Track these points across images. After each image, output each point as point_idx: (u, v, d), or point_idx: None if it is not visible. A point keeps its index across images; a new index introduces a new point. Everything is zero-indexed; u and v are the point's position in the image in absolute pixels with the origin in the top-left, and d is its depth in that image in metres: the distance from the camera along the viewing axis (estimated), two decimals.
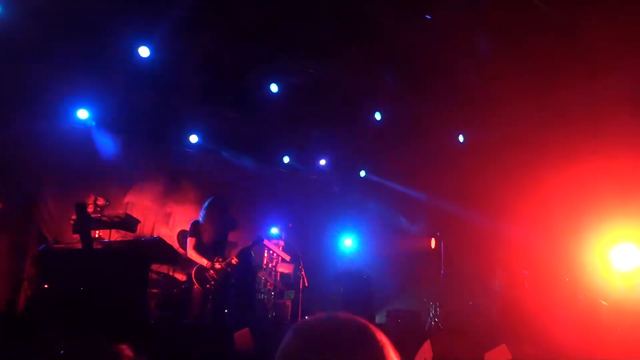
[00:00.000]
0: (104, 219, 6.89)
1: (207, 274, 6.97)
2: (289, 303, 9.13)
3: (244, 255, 7.79)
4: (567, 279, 7.96)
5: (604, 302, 7.40)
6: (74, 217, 6.56)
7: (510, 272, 8.06)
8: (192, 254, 7.09)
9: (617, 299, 7.41)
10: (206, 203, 7.35)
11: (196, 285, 6.93)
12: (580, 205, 8.09)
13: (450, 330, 8.45)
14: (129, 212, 8.31)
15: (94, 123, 9.06)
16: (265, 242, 9.25)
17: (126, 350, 2.16)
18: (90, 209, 7.56)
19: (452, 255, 9.38)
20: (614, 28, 7.22)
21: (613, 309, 7.29)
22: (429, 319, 8.95)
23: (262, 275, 9.15)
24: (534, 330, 6.80)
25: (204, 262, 6.99)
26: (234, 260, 7.09)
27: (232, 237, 8.58)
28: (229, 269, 7.08)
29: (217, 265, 6.99)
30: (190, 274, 7.03)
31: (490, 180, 9.22)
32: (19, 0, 7.31)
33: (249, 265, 8.50)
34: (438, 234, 9.26)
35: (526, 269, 8.13)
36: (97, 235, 7.52)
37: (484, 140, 10.14)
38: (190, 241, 7.17)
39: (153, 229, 9.60)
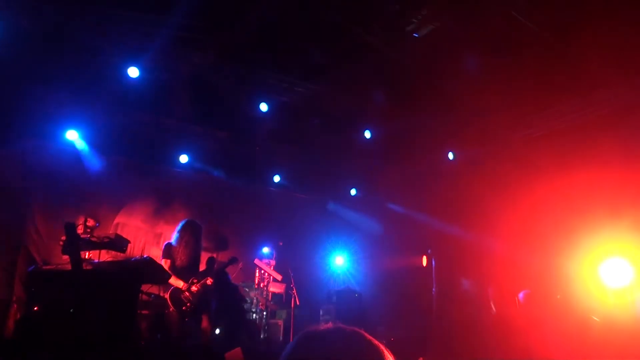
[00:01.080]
0: (94, 239, 6.83)
1: (182, 295, 6.97)
2: (280, 323, 9.09)
3: (219, 275, 7.79)
4: (559, 296, 7.95)
5: (595, 318, 7.40)
6: (63, 237, 6.51)
7: (502, 289, 8.04)
8: None
9: (608, 314, 7.40)
10: (179, 226, 7.38)
11: (172, 308, 6.92)
12: (570, 220, 8.11)
13: (442, 346, 8.41)
14: (119, 232, 8.26)
15: (83, 144, 9.03)
16: (257, 261, 9.25)
17: None
18: (80, 230, 7.52)
19: (443, 272, 9.36)
20: (604, 44, 7.30)
21: (604, 325, 7.28)
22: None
23: (254, 295, 9.11)
24: (527, 347, 6.78)
25: (180, 284, 7.01)
26: (209, 281, 7.09)
27: (222, 256, 8.56)
28: (203, 290, 7.08)
29: (194, 288, 6.98)
30: (165, 297, 7.02)
31: (481, 197, 9.24)
32: (8, 21, 7.31)
33: (224, 284, 8.48)
34: (429, 251, 9.25)
35: (520, 287, 8.14)
36: (87, 257, 7.47)
37: (474, 156, 10.18)
38: (164, 263, 7.18)
39: (143, 250, 9.55)
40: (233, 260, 8.03)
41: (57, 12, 7.38)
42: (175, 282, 7.03)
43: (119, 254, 7.47)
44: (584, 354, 6.45)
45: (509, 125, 9.33)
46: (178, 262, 7.17)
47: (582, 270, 7.95)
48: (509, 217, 8.89)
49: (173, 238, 7.33)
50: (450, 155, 10.51)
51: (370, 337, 1.38)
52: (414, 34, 7.49)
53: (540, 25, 7.20)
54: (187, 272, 7.17)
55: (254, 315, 9.02)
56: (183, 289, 6.98)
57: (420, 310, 9.19)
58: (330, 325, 1.41)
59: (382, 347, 1.36)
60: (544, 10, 7.00)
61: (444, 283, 9.11)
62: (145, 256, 8.05)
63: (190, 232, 7.34)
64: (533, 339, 6.78)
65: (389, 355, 1.34)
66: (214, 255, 8.38)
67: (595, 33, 7.16)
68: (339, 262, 10.85)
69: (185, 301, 6.96)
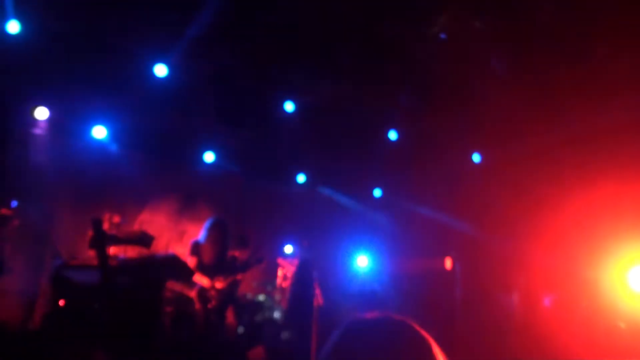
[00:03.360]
0: (120, 235, 6.91)
1: (208, 294, 6.96)
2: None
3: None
4: (584, 304, 7.86)
5: (621, 324, 7.29)
6: (90, 233, 6.58)
7: (528, 295, 7.97)
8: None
9: (635, 320, 7.29)
10: (208, 224, 7.39)
11: (198, 305, 6.92)
12: (598, 225, 7.99)
13: (466, 351, 8.34)
14: (143, 229, 8.32)
15: (110, 141, 9.11)
16: (279, 260, 9.24)
17: None
18: (105, 226, 7.59)
19: (468, 276, 9.28)
20: (631, 49, 7.19)
21: (631, 330, 7.17)
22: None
23: (275, 294, 9.11)
24: (552, 353, 6.70)
25: (204, 281, 7.01)
26: (239, 277, 7.10)
27: (244, 255, 8.57)
28: (229, 288, 7.09)
29: (218, 285, 6.98)
30: (191, 295, 7.03)
31: (506, 200, 9.14)
32: (36, 19, 7.42)
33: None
34: (454, 254, 9.18)
35: (546, 293, 8.05)
36: (112, 253, 7.54)
37: (499, 160, 10.08)
38: (191, 260, 7.19)
39: (167, 247, 9.61)
40: (260, 260, 8.04)
41: (85, 11, 7.48)
42: (201, 279, 7.05)
43: (143, 250, 7.52)
44: (610, 359, 6.35)
45: (535, 128, 9.22)
46: (205, 260, 7.19)
47: (610, 276, 7.84)
48: (535, 221, 8.79)
49: (201, 236, 7.35)
50: (476, 158, 10.41)
51: (419, 328, 1.35)
52: (441, 35, 7.44)
53: (567, 27, 7.11)
54: (214, 270, 7.19)
55: (276, 314, 9.02)
56: (208, 287, 6.99)
57: (444, 313, 9.11)
58: (377, 313, 1.39)
59: (430, 338, 1.34)
60: (571, 13, 6.92)
61: (468, 287, 9.03)
62: (169, 253, 8.12)
63: (218, 231, 7.36)
64: (559, 344, 6.70)
65: (437, 347, 1.32)
66: (236, 254, 8.39)
67: (622, 36, 7.07)
68: (362, 262, 10.80)
69: (211, 299, 6.96)
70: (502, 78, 8.15)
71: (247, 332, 7.97)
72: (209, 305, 6.95)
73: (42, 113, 8.30)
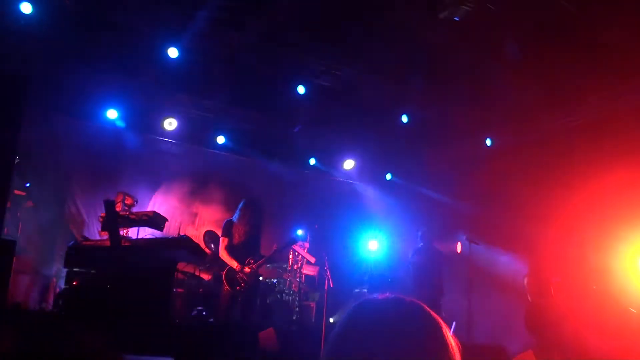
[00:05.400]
0: (132, 217, 6.95)
1: (237, 276, 6.88)
2: (313, 305, 9.14)
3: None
4: (595, 287, 7.84)
5: (632, 310, 7.27)
6: (102, 214, 6.64)
7: (538, 278, 7.95)
8: (223, 254, 6.98)
9: None
10: (241, 203, 7.26)
11: (226, 287, 6.84)
12: (608, 212, 7.96)
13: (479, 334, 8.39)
14: (156, 211, 8.40)
15: (123, 123, 9.15)
16: None
17: None
18: (118, 208, 7.65)
19: (479, 260, 9.28)
20: None
21: None
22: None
23: (287, 277, 9.17)
24: (561, 337, 6.70)
25: (234, 264, 6.89)
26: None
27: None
28: (257, 271, 7.04)
29: (247, 269, 6.90)
30: (221, 275, 6.96)
31: (518, 185, 9.10)
32: (49, 1, 7.43)
33: None
34: (465, 237, 9.16)
35: (556, 277, 8.03)
36: (125, 234, 7.61)
37: (512, 144, 10.03)
38: (222, 241, 7.06)
39: (179, 229, 9.69)
40: (292, 241, 8.09)
41: None
42: (230, 261, 6.93)
43: (156, 232, 7.58)
44: (622, 345, 6.35)
45: (547, 113, 9.16)
46: (236, 240, 7.06)
47: (621, 262, 7.82)
48: (547, 206, 8.76)
49: (235, 216, 7.22)
50: (488, 142, 10.37)
51: (429, 309, 1.36)
52: (455, 17, 7.37)
53: (581, 10, 7.03)
54: (245, 251, 7.05)
55: (287, 296, 9.08)
56: (237, 269, 6.89)
57: (454, 296, 9.13)
58: (387, 295, 1.40)
59: (440, 320, 1.34)
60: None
61: (479, 271, 9.02)
62: (182, 235, 8.16)
63: (252, 210, 7.23)
64: (568, 329, 6.70)
65: (446, 329, 1.33)
66: None
67: (635, 23, 6.99)
68: (373, 246, 10.83)
69: (240, 281, 6.87)
70: (515, 63, 8.08)
71: (259, 313, 8.03)
72: (238, 288, 6.86)
73: (55, 95, 8.33)
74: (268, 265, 9.31)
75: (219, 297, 7.03)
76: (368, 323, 1.32)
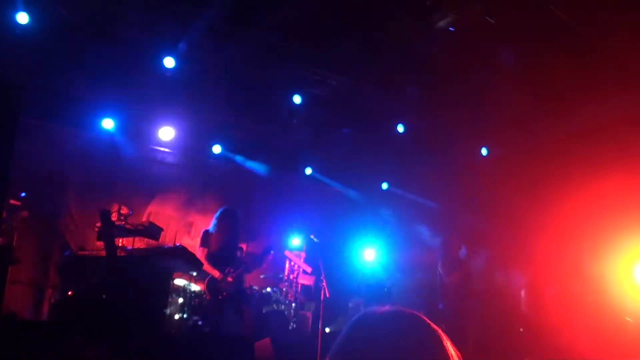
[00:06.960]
0: (128, 226, 6.93)
1: (219, 285, 6.96)
2: (309, 314, 9.10)
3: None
4: (590, 298, 7.85)
5: (628, 319, 7.28)
6: (98, 224, 6.62)
7: (535, 290, 7.96)
8: (205, 265, 7.08)
9: None
10: (218, 213, 7.39)
11: (208, 296, 6.93)
12: (605, 220, 7.97)
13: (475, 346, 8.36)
14: (152, 221, 8.37)
15: (118, 133, 9.14)
16: (287, 253, 9.27)
17: None
18: (114, 217, 7.62)
19: (475, 268, 9.27)
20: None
21: (638, 326, 7.16)
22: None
23: (283, 287, 9.15)
24: (558, 347, 6.71)
25: (215, 273, 7.00)
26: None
27: (251, 247, 8.60)
28: (239, 279, 7.10)
29: (229, 279, 6.97)
30: (202, 286, 7.05)
31: (513, 194, 9.12)
32: (45, 10, 7.43)
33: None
34: (462, 247, 9.16)
35: (552, 288, 8.03)
36: (120, 244, 7.58)
37: (507, 153, 10.06)
38: (201, 251, 7.19)
39: (175, 238, 9.65)
40: (268, 251, 8.07)
41: (96, 2, 7.49)
42: (212, 270, 7.03)
43: (152, 241, 7.56)
44: (618, 353, 6.35)
45: (543, 122, 9.19)
46: (214, 250, 7.17)
47: (617, 270, 7.83)
48: (542, 214, 8.77)
49: (211, 225, 7.34)
50: (484, 151, 10.39)
51: (429, 321, 1.35)
52: (450, 28, 7.41)
53: (577, 21, 7.07)
54: (223, 260, 7.16)
55: (283, 306, 9.06)
56: (219, 279, 6.97)
57: (451, 306, 9.11)
58: (386, 308, 1.39)
59: (441, 332, 1.34)
60: (581, 6, 6.87)
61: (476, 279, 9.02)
62: (177, 244, 8.14)
63: (228, 220, 7.33)
64: (564, 338, 6.71)
65: (447, 341, 1.32)
66: (243, 246, 8.42)
67: (633, 30, 7.03)
68: (370, 255, 10.81)
69: (222, 290, 6.95)
70: (511, 72, 8.11)
71: (254, 324, 8.00)
72: (220, 297, 6.94)
73: (50, 104, 8.32)
74: (262, 275, 9.31)
75: (206, 307, 7.08)
76: (369, 337, 1.31)
